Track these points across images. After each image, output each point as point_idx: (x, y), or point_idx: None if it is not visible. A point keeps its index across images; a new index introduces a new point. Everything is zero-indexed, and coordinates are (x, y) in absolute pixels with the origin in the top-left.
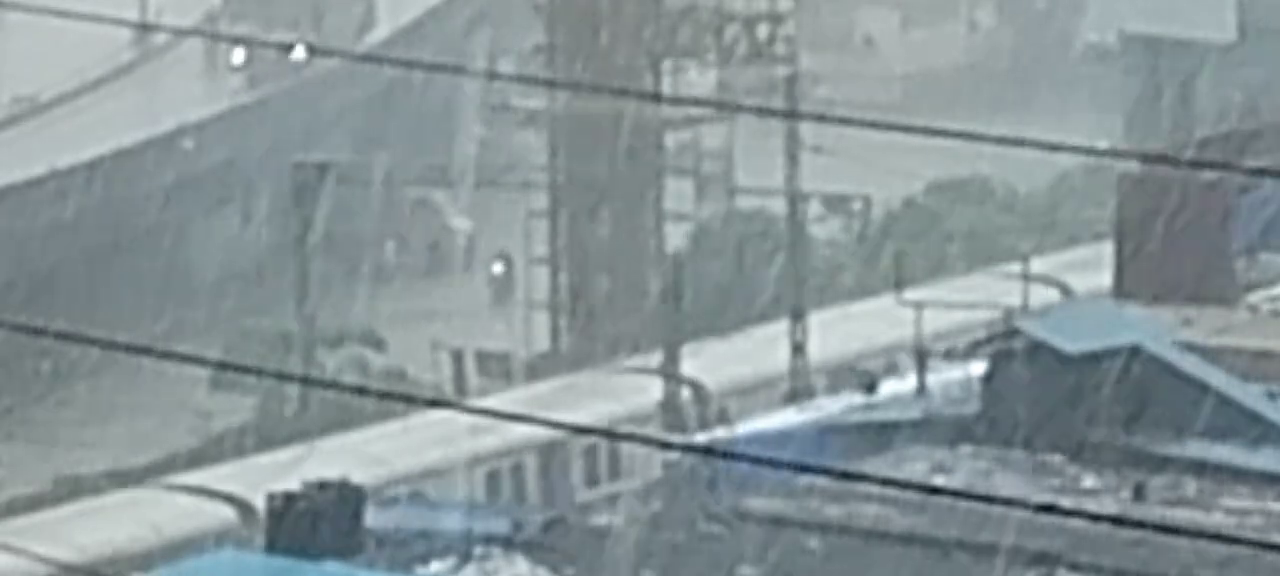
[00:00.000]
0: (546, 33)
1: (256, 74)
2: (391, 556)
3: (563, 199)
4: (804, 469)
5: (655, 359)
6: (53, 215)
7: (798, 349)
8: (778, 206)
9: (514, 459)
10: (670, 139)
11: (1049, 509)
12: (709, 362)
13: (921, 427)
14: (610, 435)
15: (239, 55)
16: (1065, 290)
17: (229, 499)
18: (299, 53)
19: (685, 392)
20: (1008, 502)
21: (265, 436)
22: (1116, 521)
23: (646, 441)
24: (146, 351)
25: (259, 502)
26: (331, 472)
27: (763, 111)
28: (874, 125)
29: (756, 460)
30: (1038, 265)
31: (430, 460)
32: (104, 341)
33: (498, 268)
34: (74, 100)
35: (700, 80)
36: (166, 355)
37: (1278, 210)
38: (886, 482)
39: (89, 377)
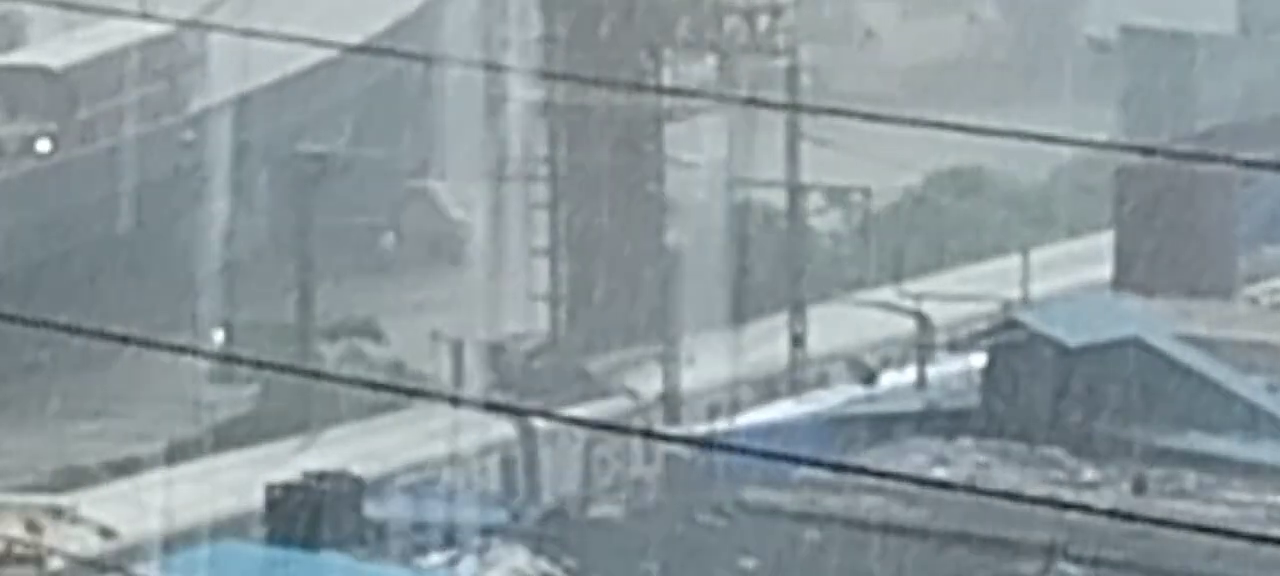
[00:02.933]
0: (547, 24)
1: None
2: (390, 547)
3: (563, 191)
4: (803, 461)
5: (654, 351)
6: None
7: (797, 341)
8: (778, 198)
9: (512, 450)
10: (670, 130)
11: (1048, 502)
12: (709, 355)
13: (921, 420)
14: (609, 427)
15: None
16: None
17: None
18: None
19: (688, 385)
20: (1007, 496)
21: (265, 428)
22: (1116, 515)
23: (647, 434)
24: (147, 343)
25: None
26: (332, 463)
27: (764, 104)
28: (876, 118)
29: (756, 453)
30: (1037, 257)
31: (430, 452)
32: (107, 333)
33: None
34: None
35: (701, 72)
36: (166, 347)
37: (1277, 203)
38: (885, 476)
39: (92, 370)
